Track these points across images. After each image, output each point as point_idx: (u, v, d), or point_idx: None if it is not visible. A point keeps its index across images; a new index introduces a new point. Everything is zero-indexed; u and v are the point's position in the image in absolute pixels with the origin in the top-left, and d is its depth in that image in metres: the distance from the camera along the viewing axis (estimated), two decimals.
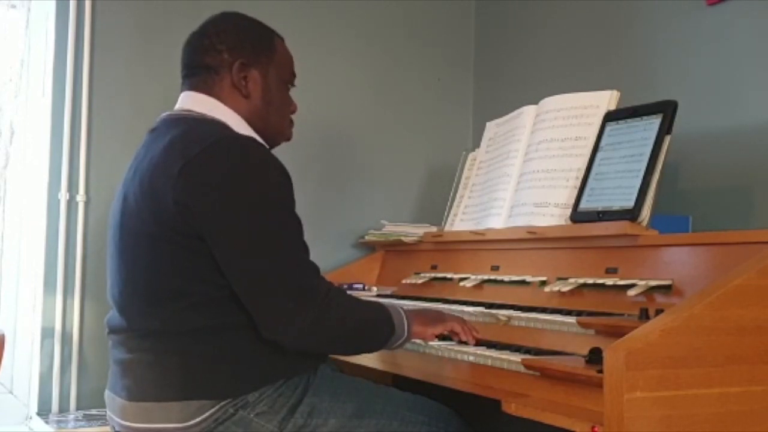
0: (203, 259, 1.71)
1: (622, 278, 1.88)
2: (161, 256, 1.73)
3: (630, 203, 1.93)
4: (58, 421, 2.50)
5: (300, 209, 1.79)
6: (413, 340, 1.93)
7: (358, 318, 1.78)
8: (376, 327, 1.81)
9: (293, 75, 2.01)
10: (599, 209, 2.00)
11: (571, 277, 2.00)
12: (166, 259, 1.73)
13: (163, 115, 1.90)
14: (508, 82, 3.12)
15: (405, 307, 1.90)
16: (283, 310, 1.68)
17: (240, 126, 1.86)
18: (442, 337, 1.98)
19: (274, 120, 1.95)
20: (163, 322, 1.73)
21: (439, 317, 1.95)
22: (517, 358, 1.77)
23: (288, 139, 2.02)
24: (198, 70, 1.90)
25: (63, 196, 2.68)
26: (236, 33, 1.90)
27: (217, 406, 1.70)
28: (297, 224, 1.77)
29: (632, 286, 1.81)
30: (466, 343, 1.94)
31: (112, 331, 1.84)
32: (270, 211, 1.73)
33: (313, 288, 1.72)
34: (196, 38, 1.92)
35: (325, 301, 1.71)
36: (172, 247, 1.71)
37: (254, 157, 1.75)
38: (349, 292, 2.47)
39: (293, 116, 2.03)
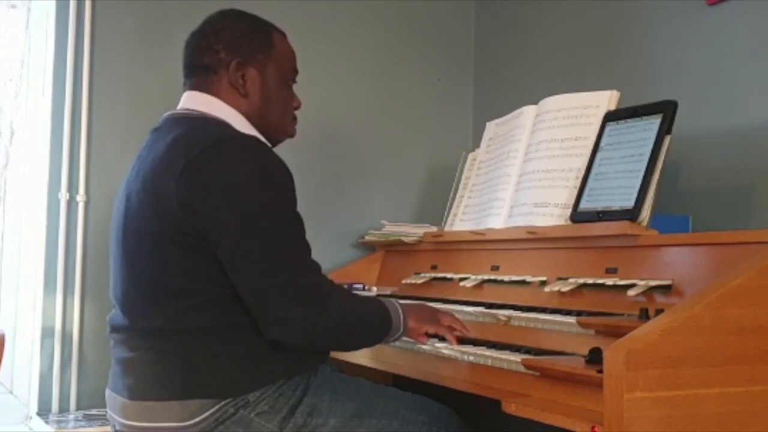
0: (206, 259, 1.71)
1: (622, 278, 1.88)
2: (164, 255, 1.73)
3: (630, 203, 1.93)
4: (58, 421, 2.50)
5: (300, 209, 1.79)
6: (409, 339, 1.93)
7: (358, 315, 1.79)
8: (376, 323, 1.83)
9: (294, 71, 2.00)
10: (599, 209, 2.00)
11: (571, 277, 2.00)
12: (169, 259, 1.73)
13: (166, 114, 1.90)
14: (508, 82, 3.12)
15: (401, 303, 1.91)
16: (286, 310, 1.69)
17: (242, 124, 1.86)
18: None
19: (275, 118, 1.94)
20: (165, 322, 1.73)
21: (433, 316, 1.96)
22: (517, 358, 1.77)
23: (291, 135, 2.01)
24: (197, 70, 1.90)
25: (63, 196, 2.69)
26: (233, 32, 1.90)
27: (218, 406, 1.70)
28: (299, 223, 1.77)
29: (632, 286, 1.81)
30: (466, 341, 1.95)
31: (114, 330, 1.85)
32: (272, 211, 1.73)
33: (316, 287, 1.73)
34: (194, 38, 1.92)
35: (327, 300, 1.72)
36: (175, 246, 1.72)
37: (255, 156, 1.75)
38: None
39: (297, 112, 2.01)
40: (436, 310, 2.00)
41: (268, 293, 1.69)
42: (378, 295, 2.60)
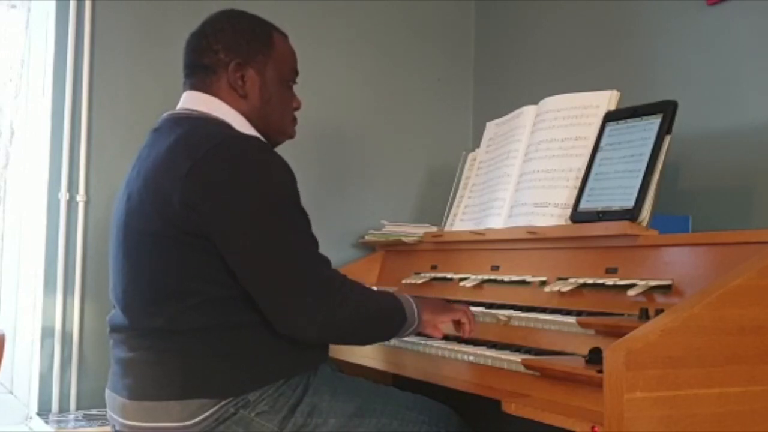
0: (208, 259, 1.71)
1: (622, 278, 1.88)
2: (165, 255, 1.73)
3: (630, 203, 1.93)
4: (58, 421, 2.50)
5: None
6: (409, 339, 1.93)
7: (372, 307, 1.79)
8: (390, 316, 1.82)
9: (295, 72, 2.00)
10: (599, 209, 2.00)
11: (571, 277, 2.00)
12: (170, 259, 1.73)
13: (166, 114, 1.90)
14: (508, 82, 3.12)
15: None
16: (301, 306, 1.69)
17: (242, 125, 1.87)
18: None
19: (274, 119, 1.94)
20: (165, 321, 1.73)
21: (447, 307, 1.96)
22: (517, 358, 1.77)
23: (291, 136, 2.01)
24: (197, 70, 1.90)
25: (63, 196, 2.68)
26: (232, 32, 1.90)
27: (218, 406, 1.70)
28: (305, 219, 1.78)
29: (632, 286, 1.81)
30: (466, 342, 1.95)
31: (114, 330, 1.85)
32: (277, 210, 1.73)
33: (328, 280, 1.73)
34: (194, 38, 1.92)
35: (340, 293, 1.72)
36: (177, 246, 1.72)
37: (257, 156, 1.75)
38: None
39: (297, 113, 2.01)
40: (449, 303, 2.00)
41: (279, 290, 1.70)
42: None
